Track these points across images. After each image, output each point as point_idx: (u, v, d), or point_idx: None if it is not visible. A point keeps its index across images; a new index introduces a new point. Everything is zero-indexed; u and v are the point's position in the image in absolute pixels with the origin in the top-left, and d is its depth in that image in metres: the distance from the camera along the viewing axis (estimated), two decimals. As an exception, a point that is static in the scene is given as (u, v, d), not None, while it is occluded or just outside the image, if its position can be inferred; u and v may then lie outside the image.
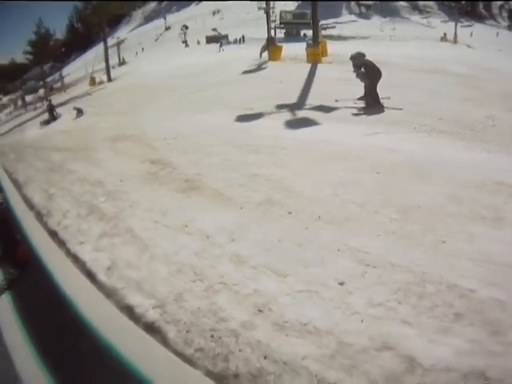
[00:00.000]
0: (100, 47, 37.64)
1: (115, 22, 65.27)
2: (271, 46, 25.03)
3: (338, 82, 14.51)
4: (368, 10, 57.30)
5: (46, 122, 20.54)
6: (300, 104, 12.72)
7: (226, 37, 50.22)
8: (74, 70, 58.05)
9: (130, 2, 65.64)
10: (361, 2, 58.12)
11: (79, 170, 9.64)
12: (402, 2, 57.16)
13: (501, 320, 3.45)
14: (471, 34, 43.61)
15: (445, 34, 40.62)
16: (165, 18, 67.26)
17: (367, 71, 11.41)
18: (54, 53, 62.11)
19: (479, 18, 54.41)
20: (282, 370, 3.27)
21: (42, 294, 5.13)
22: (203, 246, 5.30)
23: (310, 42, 24.31)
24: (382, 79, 11.35)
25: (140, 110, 15.44)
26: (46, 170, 10.48)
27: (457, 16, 45.66)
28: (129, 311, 4.37)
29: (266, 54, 24.73)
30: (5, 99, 59.90)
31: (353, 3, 58.12)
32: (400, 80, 14.16)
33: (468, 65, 19.10)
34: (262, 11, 29.48)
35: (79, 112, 19.53)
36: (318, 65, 19.67)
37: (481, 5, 55.93)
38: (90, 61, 42.99)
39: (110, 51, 37.39)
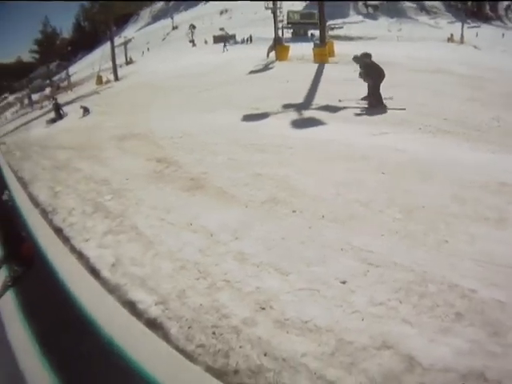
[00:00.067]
0: (107, 46, 37.76)
1: (123, 20, 65.54)
2: (278, 46, 24.99)
3: (344, 82, 14.50)
4: (375, 11, 57.19)
5: (53, 121, 20.62)
6: (306, 104, 12.75)
7: (233, 36, 50.23)
8: (81, 68, 58.31)
9: (137, 2, 65.72)
10: (368, 2, 58.01)
11: (85, 168, 9.71)
12: (408, 3, 57.01)
13: (501, 321, 3.45)
14: (476, 35, 43.46)
15: (452, 35, 40.49)
16: (172, 18, 67.42)
17: (370, 71, 11.43)
18: (60, 51, 62.21)
19: (485, 19, 54.15)
20: (282, 367, 3.29)
21: (45, 290, 5.16)
22: (207, 244, 5.33)
23: (317, 42, 24.29)
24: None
25: (147, 109, 15.51)
26: (52, 168, 10.54)
27: (463, 17, 45.54)
28: (131, 307, 4.40)
29: (273, 54, 24.71)
30: (11, 98, 60.27)
31: (360, 3, 58.01)
32: (405, 80, 14.16)
33: (474, 66, 19.03)
34: (270, 11, 29.46)
35: (86, 111, 19.62)
36: (325, 65, 19.65)
37: (487, 6, 55.68)
38: (96, 60, 43.17)
39: (117, 50, 37.47)
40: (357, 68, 12.08)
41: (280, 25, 32.09)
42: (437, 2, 56.36)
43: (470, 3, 53.86)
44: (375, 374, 3.12)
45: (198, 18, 62.83)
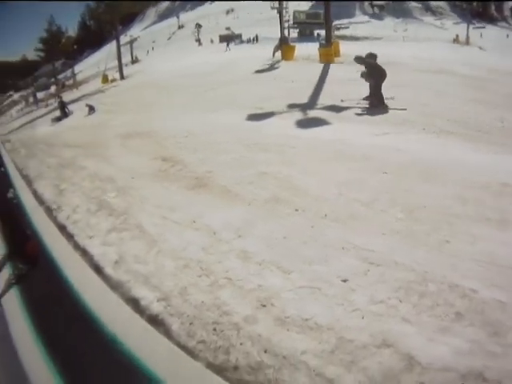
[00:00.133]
0: (113, 45, 37.92)
1: (128, 19, 65.72)
2: (284, 46, 25.03)
3: (349, 82, 14.50)
4: (381, 11, 57.12)
5: (58, 119, 20.74)
6: (311, 104, 12.77)
7: (239, 36, 50.35)
8: (87, 67, 58.51)
9: (143, 2, 65.88)
10: (374, 2, 57.94)
11: (90, 166, 9.75)
12: (414, 3, 56.91)
13: (501, 321, 3.45)
14: (481, 35, 43.35)
15: (457, 36, 40.43)
16: (178, 17, 67.55)
17: (372, 71, 11.46)
18: (65, 50, 62.43)
19: (491, 20, 54.01)
20: (281, 364, 3.31)
21: (49, 287, 5.19)
22: (210, 242, 5.36)
23: (323, 42, 24.29)
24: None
25: (152, 108, 15.57)
26: (57, 166, 10.59)
27: (469, 18, 45.44)
28: (135, 304, 4.43)
29: (279, 54, 24.74)
30: (16, 96, 60.49)
31: (366, 3, 57.98)
32: (410, 80, 14.19)
33: (479, 66, 19.01)
34: (276, 11, 29.47)
35: (91, 109, 19.72)
36: (331, 65, 19.66)
37: (492, 6, 55.52)
38: (102, 58, 43.34)
39: (122, 49, 37.60)
40: (361, 68, 12.08)
41: (286, 25, 32.15)
42: (442, 2, 56.24)
43: (475, 4, 53.75)
44: (375, 372, 3.14)
45: (204, 18, 62.94)
